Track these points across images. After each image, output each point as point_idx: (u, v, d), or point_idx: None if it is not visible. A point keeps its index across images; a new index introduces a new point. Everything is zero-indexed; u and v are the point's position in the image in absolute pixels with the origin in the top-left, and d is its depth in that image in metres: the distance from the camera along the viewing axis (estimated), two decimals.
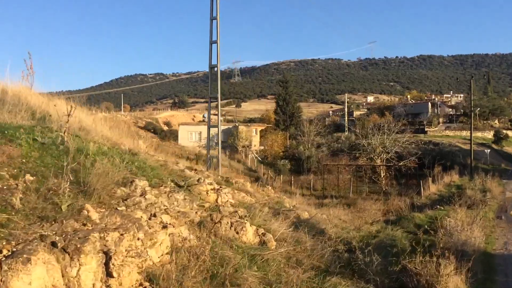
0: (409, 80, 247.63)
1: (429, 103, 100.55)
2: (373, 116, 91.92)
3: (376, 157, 42.82)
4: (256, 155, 62.78)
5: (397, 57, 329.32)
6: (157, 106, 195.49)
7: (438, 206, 23.64)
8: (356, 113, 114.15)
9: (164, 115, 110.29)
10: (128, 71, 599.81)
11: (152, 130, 79.04)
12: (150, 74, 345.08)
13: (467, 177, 42.72)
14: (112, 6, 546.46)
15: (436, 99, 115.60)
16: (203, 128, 66.05)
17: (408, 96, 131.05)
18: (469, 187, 32.36)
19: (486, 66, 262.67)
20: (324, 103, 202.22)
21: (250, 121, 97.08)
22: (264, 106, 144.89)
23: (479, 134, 75.85)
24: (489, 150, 57.80)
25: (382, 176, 41.14)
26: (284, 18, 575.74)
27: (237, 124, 66.39)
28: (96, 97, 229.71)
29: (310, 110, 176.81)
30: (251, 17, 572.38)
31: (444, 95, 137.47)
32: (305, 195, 37.19)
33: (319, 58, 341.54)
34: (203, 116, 79.96)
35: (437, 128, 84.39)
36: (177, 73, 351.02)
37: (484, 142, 68.93)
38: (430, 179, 35.66)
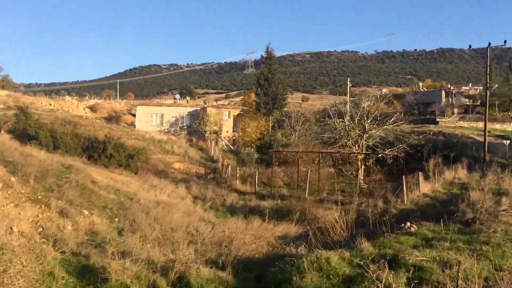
0: (427, 73, 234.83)
1: (443, 92, 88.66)
2: (378, 104, 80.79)
3: (352, 143, 32.48)
4: (228, 143, 52.66)
5: (415, 50, 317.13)
6: (167, 96, 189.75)
7: (409, 225, 13.38)
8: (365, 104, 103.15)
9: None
10: (143, 61, 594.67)
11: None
12: (164, 65, 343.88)
13: (478, 173, 31.95)
14: None
15: (452, 88, 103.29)
16: (166, 110, 56.17)
17: (421, 84, 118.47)
18: (477, 187, 21.87)
19: (508, 60, 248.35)
20: (336, 95, 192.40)
21: None
22: None
23: (498, 126, 64.65)
24: (508, 142, 46.57)
25: (358, 170, 30.50)
26: (300, 8, 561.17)
27: (206, 105, 56.06)
28: (109, 86, 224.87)
29: (322, 101, 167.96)
30: (266, 8, 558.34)
31: (462, 87, 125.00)
32: (247, 193, 27.05)
33: (335, 50, 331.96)
34: (175, 98, 70.13)
35: (450, 119, 73.36)
36: (191, 64, 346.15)
37: (503, 134, 57.69)
38: (421, 174, 25.08)
